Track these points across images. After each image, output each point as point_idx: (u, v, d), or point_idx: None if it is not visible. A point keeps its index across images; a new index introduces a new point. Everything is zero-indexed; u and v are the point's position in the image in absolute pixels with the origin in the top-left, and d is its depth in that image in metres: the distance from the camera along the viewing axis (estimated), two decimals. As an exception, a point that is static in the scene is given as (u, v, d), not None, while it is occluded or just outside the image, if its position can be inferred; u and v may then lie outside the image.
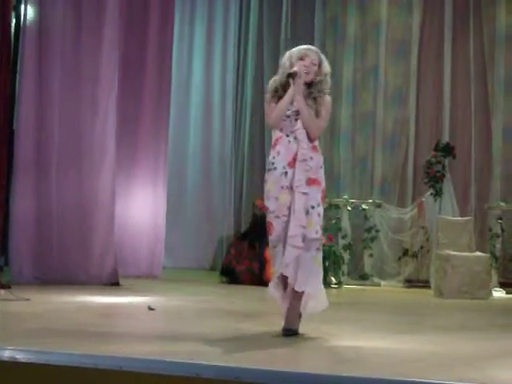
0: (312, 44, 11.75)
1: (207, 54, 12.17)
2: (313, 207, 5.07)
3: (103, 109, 8.54)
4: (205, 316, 6.26)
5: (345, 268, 10.08)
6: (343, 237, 10.32)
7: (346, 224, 10.37)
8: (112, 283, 8.31)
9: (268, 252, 5.23)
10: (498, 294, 9.35)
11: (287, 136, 5.14)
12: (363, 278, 10.17)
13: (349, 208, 10.39)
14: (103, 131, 8.54)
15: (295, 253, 4.98)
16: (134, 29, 9.47)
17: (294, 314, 5.15)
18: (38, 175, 8.21)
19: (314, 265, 5.09)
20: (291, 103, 5.15)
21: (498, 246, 9.92)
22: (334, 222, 10.43)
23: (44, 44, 8.28)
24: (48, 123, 8.28)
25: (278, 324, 5.17)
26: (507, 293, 9.47)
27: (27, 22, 8.23)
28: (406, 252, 10.20)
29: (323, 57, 5.35)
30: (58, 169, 8.30)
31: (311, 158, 5.09)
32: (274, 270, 5.20)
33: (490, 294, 9.00)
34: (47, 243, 8.20)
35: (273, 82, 5.29)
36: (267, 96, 5.27)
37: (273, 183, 5.09)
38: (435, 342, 5.19)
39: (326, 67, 5.30)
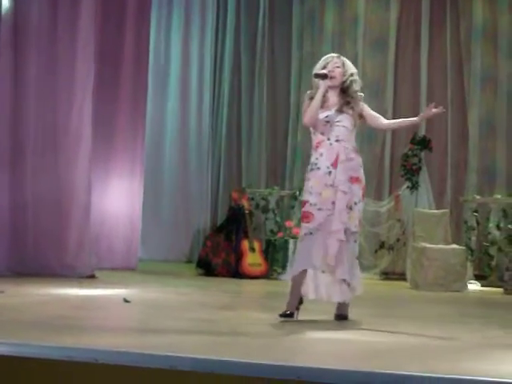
0: (290, 38, 11.89)
1: (184, 46, 12.11)
2: (356, 203, 5.59)
3: (79, 100, 8.47)
4: (181, 308, 6.25)
5: (321, 260, 10.08)
6: (319, 229, 10.31)
7: (322, 217, 10.36)
8: (87, 275, 8.26)
9: (299, 238, 5.77)
10: (473, 286, 9.40)
11: (328, 139, 5.61)
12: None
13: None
14: (79, 122, 8.48)
15: (338, 244, 5.50)
16: (110, 20, 9.41)
17: (344, 305, 5.65)
18: (13, 166, 8.14)
19: (352, 255, 5.62)
20: (329, 109, 5.64)
21: (474, 238, 9.97)
22: (310, 214, 10.44)
23: (19, 35, 8.20)
24: (23, 115, 8.21)
25: (253, 316, 5.16)
26: (482, 285, 9.52)
27: (2, 15, 8.13)
28: (382, 245, 10.23)
29: (345, 59, 5.85)
30: (34, 160, 8.24)
31: (352, 158, 5.61)
32: (301, 257, 5.61)
33: (466, 286, 9.05)
34: (22, 235, 8.14)
35: (308, 93, 5.80)
36: (305, 104, 5.76)
37: (317, 181, 5.59)
38: (410, 333, 5.21)
39: (351, 67, 5.80)
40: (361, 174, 5.66)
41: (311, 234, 5.53)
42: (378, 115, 5.86)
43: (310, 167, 5.67)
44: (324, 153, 5.59)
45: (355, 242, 5.64)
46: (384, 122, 5.93)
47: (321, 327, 5.37)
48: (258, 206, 10.64)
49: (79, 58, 8.48)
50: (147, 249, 11.05)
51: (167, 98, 12.02)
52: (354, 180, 5.59)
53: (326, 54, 11.23)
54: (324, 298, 5.67)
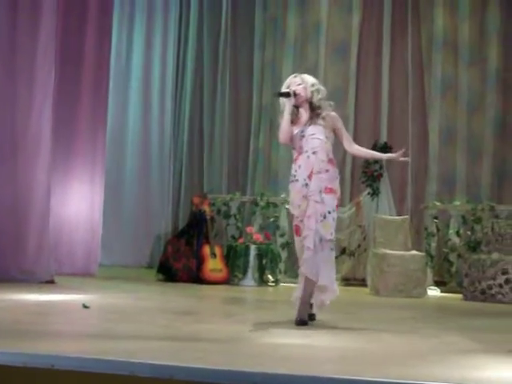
0: (252, 43, 11.88)
1: (146, 49, 12.05)
2: (329, 212, 5.83)
3: (39, 104, 8.40)
4: (140, 314, 6.21)
5: (282, 266, 10.11)
6: (281, 235, 10.34)
7: (284, 222, 10.39)
8: (47, 281, 8.18)
9: (296, 250, 6.12)
10: (433, 292, 9.46)
11: (306, 152, 5.88)
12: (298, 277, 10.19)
13: (287, 206, 10.38)
14: (39, 126, 8.40)
15: (309, 253, 5.75)
16: (71, 21, 9.33)
17: (305, 305, 5.84)
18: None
19: (329, 262, 5.85)
20: (303, 125, 5.94)
21: (434, 245, 10.04)
22: (272, 220, 10.46)
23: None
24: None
25: (213, 321, 5.14)
26: (442, 291, 9.59)
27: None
28: (343, 251, 10.24)
29: (304, 75, 6.11)
30: (-8, 164, 8.15)
31: (327, 170, 5.88)
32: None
33: (425, 292, 9.12)
34: (-20, 240, 8.04)
35: (280, 114, 6.04)
36: (279, 122, 6.03)
37: (296, 193, 5.90)
38: (369, 339, 5.23)
39: (310, 79, 6.06)
40: (335, 185, 5.91)
41: (308, 248, 5.81)
42: (350, 139, 6.22)
43: (290, 178, 5.99)
44: (302, 165, 5.88)
45: (331, 249, 5.87)
46: (354, 147, 6.21)
47: (279, 333, 5.36)
48: (219, 211, 10.62)
49: (39, 61, 8.41)
50: (108, 254, 10.97)
51: (128, 101, 11.96)
52: (328, 190, 5.85)
53: (288, 59, 11.60)
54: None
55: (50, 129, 8.41)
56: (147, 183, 11.88)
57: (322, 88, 6.05)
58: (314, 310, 5.98)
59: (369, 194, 10.20)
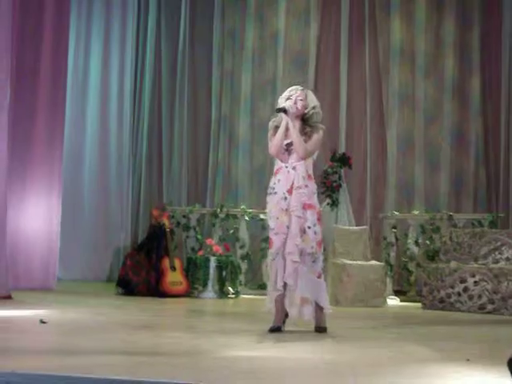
0: (210, 54, 11.90)
1: (104, 60, 11.98)
2: (309, 227, 5.97)
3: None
4: (99, 328, 6.14)
5: (242, 278, 10.10)
6: (241, 247, 10.33)
7: (243, 234, 10.38)
8: (3, 296, 8.04)
9: (268, 264, 6.35)
10: (393, 301, 9.52)
11: (286, 167, 6.05)
12: (261, 287, 10.17)
13: (246, 218, 10.41)
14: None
15: (294, 265, 5.91)
16: (27, 30, 9.26)
17: (281, 314, 6.03)
18: None
19: (311, 274, 5.98)
20: (286, 138, 6.05)
21: (393, 254, 10.11)
22: (231, 231, 10.44)
23: None
24: None
25: (173, 335, 5.10)
26: (401, 300, 9.65)
27: None
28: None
29: (309, 92, 6.26)
30: None
31: (306, 185, 6.02)
32: (271, 281, 6.09)
33: (385, 301, 9.17)
34: None
35: (272, 122, 6.25)
36: (269, 133, 6.20)
37: (274, 205, 6.03)
38: (328, 350, 5.24)
39: (313, 100, 6.19)
40: (314, 201, 6.05)
41: (274, 259, 6.02)
42: (306, 151, 6.09)
43: (268, 191, 6.12)
44: (281, 179, 6.04)
45: (313, 262, 5.99)
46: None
47: (240, 346, 5.34)
48: (178, 223, 10.58)
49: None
50: (66, 268, 10.88)
51: (86, 114, 11.89)
52: (307, 206, 5.98)
53: (246, 71, 11.61)
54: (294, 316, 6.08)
55: (5, 140, 8.27)
56: (106, 196, 11.79)
57: (320, 112, 6.23)
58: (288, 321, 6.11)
59: (328, 204, 10.23)
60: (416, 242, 10.05)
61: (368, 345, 5.58)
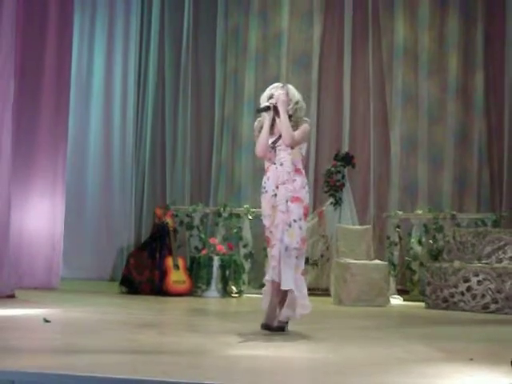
0: (214, 54, 11.90)
1: (108, 61, 11.99)
2: (295, 221, 5.91)
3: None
4: (102, 327, 6.14)
5: (245, 277, 10.10)
6: (244, 246, 10.33)
7: (247, 233, 10.38)
8: (7, 295, 8.06)
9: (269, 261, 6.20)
10: (396, 301, 9.51)
11: (274, 164, 6.03)
12: (264, 286, 10.16)
13: (250, 217, 10.41)
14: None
15: (273, 260, 5.90)
16: (31, 32, 9.26)
17: (273, 310, 6.02)
18: None
19: (296, 272, 5.93)
20: (275, 135, 6.03)
21: (396, 253, 10.11)
22: (235, 231, 10.44)
23: None
24: None
25: (176, 334, 5.10)
26: (405, 300, 9.65)
27: None
28: (306, 260, 10.08)
29: (290, 87, 6.18)
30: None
31: (294, 180, 5.98)
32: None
33: (388, 301, 9.16)
34: None
35: (257, 122, 6.19)
36: (255, 134, 6.17)
37: (266, 204, 6.04)
38: (332, 349, 5.23)
39: (295, 95, 6.13)
40: (302, 194, 5.98)
41: (273, 256, 5.95)
42: (292, 139, 6.06)
43: (261, 190, 6.13)
44: (270, 176, 6.03)
45: (297, 258, 5.93)
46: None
47: (242, 344, 5.34)
48: (182, 222, 10.59)
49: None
50: (69, 267, 10.88)
51: (90, 114, 11.89)
52: (293, 199, 5.94)
53: (250, 71, 11.59)
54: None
55: (9, 142, 8.29)
56: (109, 196, 11.79)
57: (304, 105, 6.20)
58: (278, 320, 6.00)
59: (331, 203, 10.23)
60: (419, 242, 10.04)
61: (371, 344, 5.58)
